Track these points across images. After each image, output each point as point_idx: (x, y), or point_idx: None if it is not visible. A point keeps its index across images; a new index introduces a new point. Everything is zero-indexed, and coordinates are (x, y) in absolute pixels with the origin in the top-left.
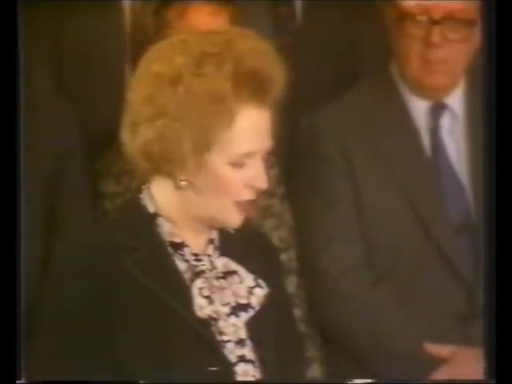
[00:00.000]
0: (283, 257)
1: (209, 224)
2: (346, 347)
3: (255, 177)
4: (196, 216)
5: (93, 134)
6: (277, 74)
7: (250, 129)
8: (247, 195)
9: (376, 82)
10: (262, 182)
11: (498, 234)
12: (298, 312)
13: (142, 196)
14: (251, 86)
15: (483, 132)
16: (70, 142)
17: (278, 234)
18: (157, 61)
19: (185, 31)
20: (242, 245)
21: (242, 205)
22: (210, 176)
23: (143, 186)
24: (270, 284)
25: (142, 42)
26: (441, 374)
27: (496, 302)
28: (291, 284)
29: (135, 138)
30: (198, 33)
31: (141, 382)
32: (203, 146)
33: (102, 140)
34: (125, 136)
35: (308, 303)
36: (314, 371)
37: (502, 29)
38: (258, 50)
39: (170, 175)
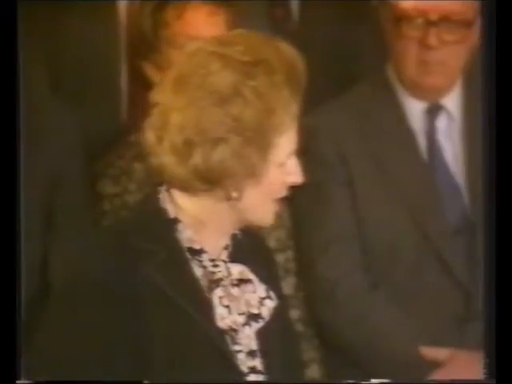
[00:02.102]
0: (280, 257)
1: (239, 225)
2: (344, 349)
3: (293, 173)
4: (227, 221)
5: (91, 135)
6: (302, 64)
7: (296, 127)
8: (284, 192)
9: (372, 84)
10: (299, 177)
11: (498, 234)
12: (296, 313)
13: (159, 197)
14: (297, 85)
15: (483, 133)
16: (68, 143)
17: (275, 234)
18: (203, 76)
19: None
20: (249, 251)
21: (277, 202)
22: (262, 181)
23: (160, 188)
24: (272, 288)
25: (139, 42)
26: (437, 377)
27: (496, 302)
28: (289, 285)
29: (190, 158)
30: (219, 40)
31: (145, 381)
32: (267, 154)
33: (100, 141)
34: (168, 159)
35: (306, 304)
36: (313, 372)
37: (501, 29)
38: (285, 48)
39: (222, 188)
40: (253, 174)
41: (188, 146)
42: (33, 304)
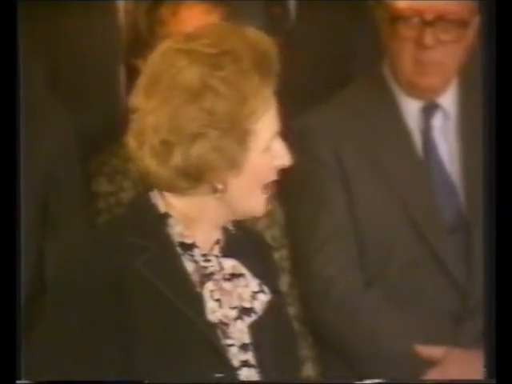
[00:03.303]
0: (275, 256)
1: (231, 217)
2: (338, 347)
3: (280, 156)
4: (218, 214)
5: (87, 134)
6: (273, 48)
7: (272, 110)
8: (273, 176)
9: (368, 83)
10: (287, 159)
11: (497, 232)
12: (291, 311)
13: (150, 194)
14: (268, 69)
15: (482, 131)
16: (64, 142)
17: (270, 233)
18: (172, 74)
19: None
20: (243, 246)
21: (267, 188)
22: (244, 169)
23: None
24: (267, 284)
25: (135, 41)
26: (432, 375)
27: (496, 301)
28: (284, 283)
29: (170, 158)
30: (187, 36)
31: (146, 381)
32: (245, 142)
33: (96, 140)
34: (150, 162)
35: (301, 302)
36: (308, 370)
37: (500, 28)
38: (253, 34)
39: (206, 183)
40: (234, 164)
41: (166, 146)
42: (29, 302)
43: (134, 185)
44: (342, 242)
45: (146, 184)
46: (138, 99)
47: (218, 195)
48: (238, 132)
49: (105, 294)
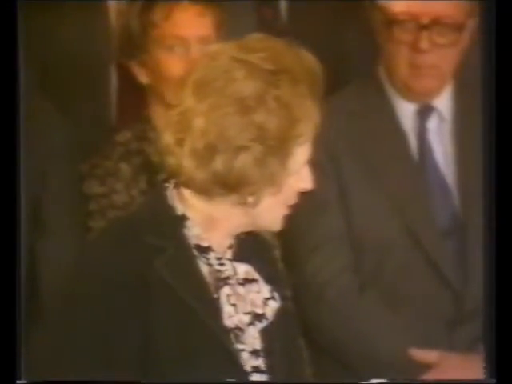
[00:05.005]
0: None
1: (249, 228)
2: (332, 350)
3: (306, 180)
4: (238, 224)
5: (78, 136)
6: (322, 72)
7: (313, 135)
8: (295, 198)
9: (363, 85)
10: (309, 184)
11: (497, 234)
12: None
13: (167, 194)
14: (319, 94)
15: (482, 134)
16: (55, 144)
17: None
18: (226, 82)
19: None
20: (252, 250)
21: (288, 208)
22: (277, 188)
23: (167, 185)
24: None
25: (127, 43)
26: (426, 379)
27: (496, 301)
28: None
29: (211, 163)
30: (239, 46)
31: (142, 382)
32: (286, 162)
33: (88, 141)
34: (188, 162)
35: (294, 304)
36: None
37: (500, 30)
38: (306, 55)
39: (239, 194)
40: (272, 182)
41: (210, 151)
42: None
43: (127, 187)
44: (337, 245)
45: (162, 179)
46: (181, 96)
47: (244, 207)
48: (282, 151)
49: (118, 293)
